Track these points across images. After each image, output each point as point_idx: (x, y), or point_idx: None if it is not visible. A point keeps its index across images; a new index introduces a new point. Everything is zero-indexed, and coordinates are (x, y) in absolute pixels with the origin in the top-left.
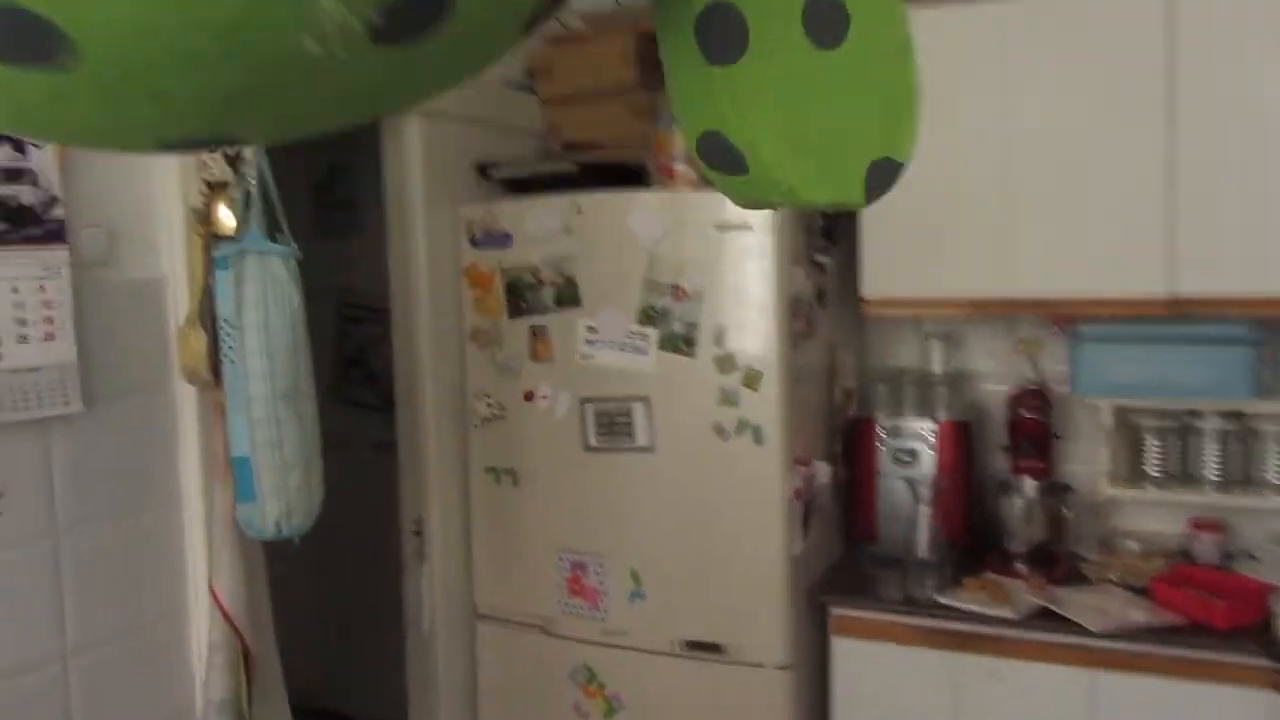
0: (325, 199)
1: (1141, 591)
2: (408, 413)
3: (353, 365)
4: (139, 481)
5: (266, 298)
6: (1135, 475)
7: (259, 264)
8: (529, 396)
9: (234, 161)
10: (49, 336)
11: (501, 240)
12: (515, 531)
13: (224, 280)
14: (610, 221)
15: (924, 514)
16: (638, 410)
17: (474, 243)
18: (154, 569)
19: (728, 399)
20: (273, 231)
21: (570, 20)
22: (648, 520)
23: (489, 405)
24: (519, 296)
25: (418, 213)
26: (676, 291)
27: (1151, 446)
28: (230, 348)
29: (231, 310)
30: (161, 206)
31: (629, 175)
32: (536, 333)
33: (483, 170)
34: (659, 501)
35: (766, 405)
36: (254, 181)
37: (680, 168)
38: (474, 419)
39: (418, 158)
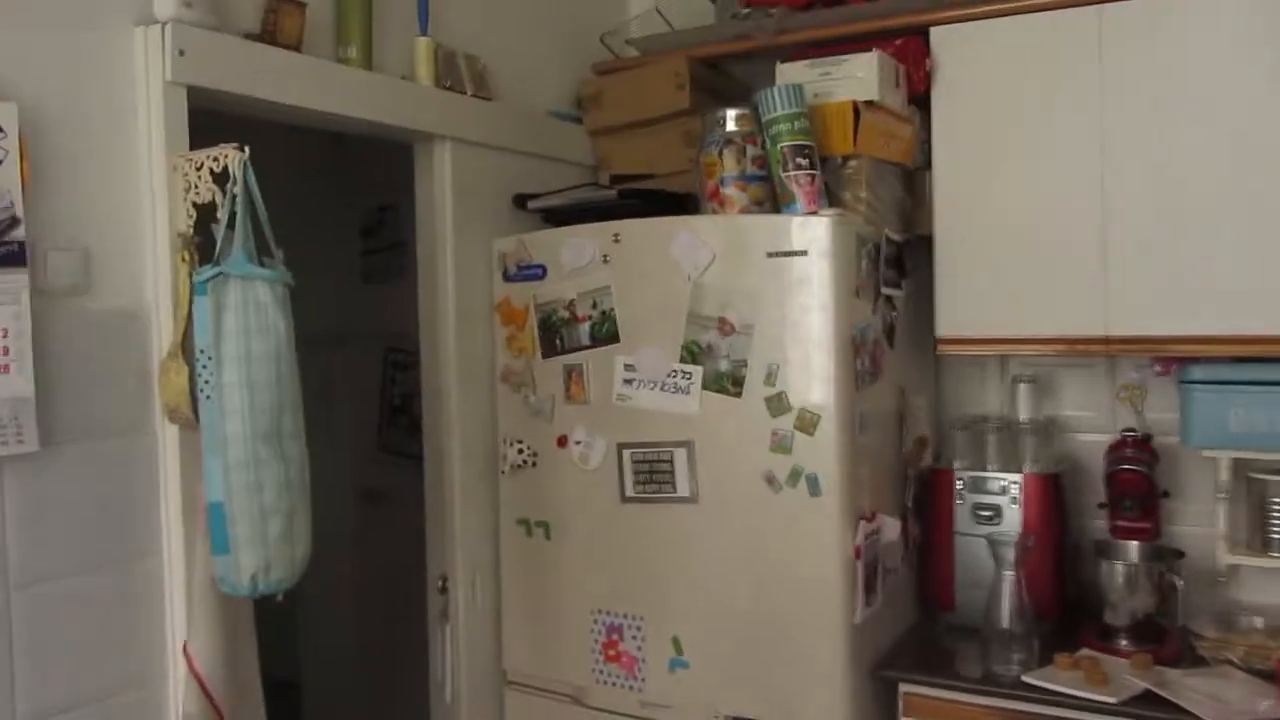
0: (373, 242)
1: (1268, 676)
2: (435, 460)
3: (398, 413)
4: (113, 531)
5: (249, 326)
6: (1258, 540)
7: (241, 289)
8: (562, 442)
9: (221, 180)
10: (3, 369)
11: (535, 273)
12: (547, 589)
13: (202, 306)
14: (651, 250)
15: (1008, 579)
16: (679, 457)
17: (506, 276)
18: (126, 630)
19: (780, 445)
20: (261, 256)
21: (621, 47)
22: (690, 580)
23: (520, 451)
24: (553, 333)
25: (447, 244)
26: (723, 326)
27: (1276, 507)
28: (206, 381)
29: (209, 340)
30: (146, 230)
31: (677, 205)
32: (571, 372)
33: (521, 202)
34: (703, 559)
35: (824, 452)
36: (238, 196)
37: (730, 191)
38: (503, 466)
39: (447, 186)
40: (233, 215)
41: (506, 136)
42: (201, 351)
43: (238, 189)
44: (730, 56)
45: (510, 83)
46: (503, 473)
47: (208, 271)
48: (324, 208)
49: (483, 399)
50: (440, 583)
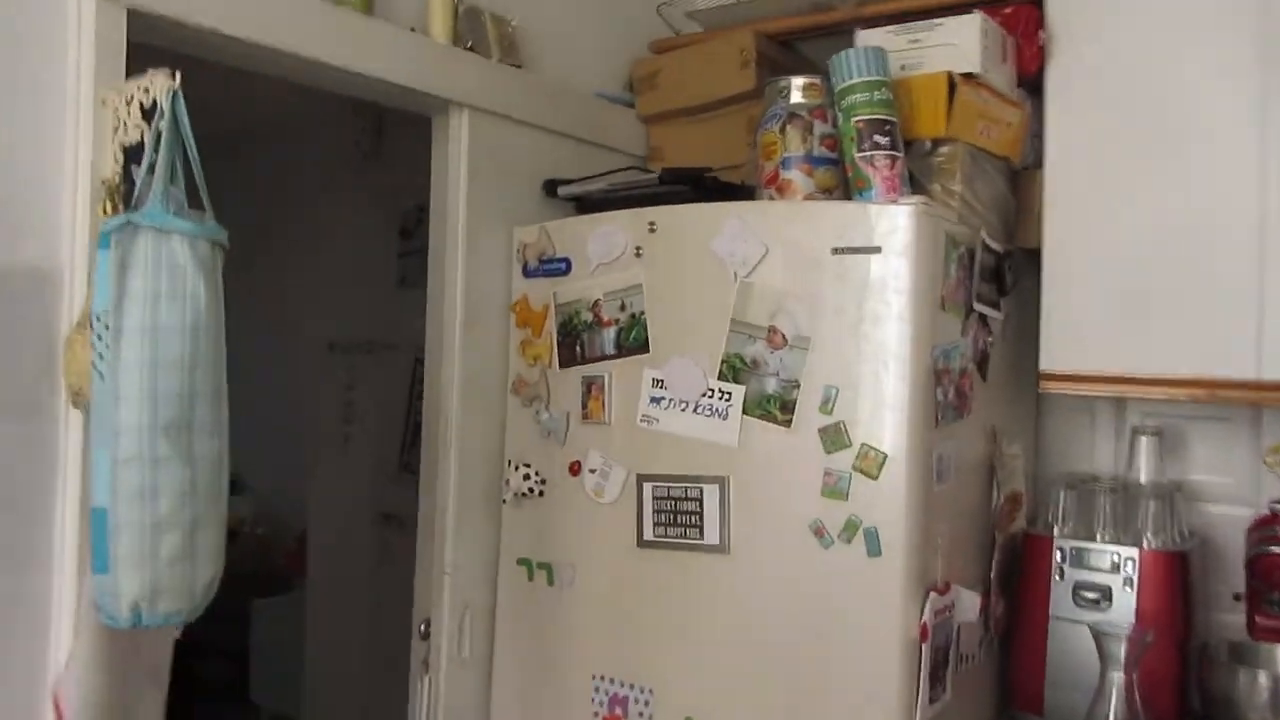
0: (411, 243)
1: None
2: (428, 481)
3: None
4: None
5: (158, 291)
6: None
7: (153, 244)
8: (575, 469)
9: (150, 116)
10: None
11: (558, 267)
12: (545, 644)
13: (103, 263)
14: (692, 242)
15: (1115, 681)
16: (710, 496)
17: (526, 271)
18: (4, 656)
19: (834, 489)
20: (192, 205)
21: (681, 21)
22: (713, 649)
23: (526, 477)
24: (574, 338)
25: (458, 229)
26: (773, 337)
27: None
28: (100, 356)
29: (108, 305)
30: (67, 175)
31: (731, 196)
32: (591, 386)
33: (551, 189)
34: (729, 624)
35: (889, 501)
36: (163, 132)
37: (793, 175)
38: (506, 494)
39: (462, 163)
40: (155, 149)
41: (538, 112)
42: (98, 319)
43: (163, 123)
44: (806, 32)
45: (549, 54)
46: (504, 501)
47: (114, 221)
48: (362, 207)
49: (489, 413)
50: (423, 627)
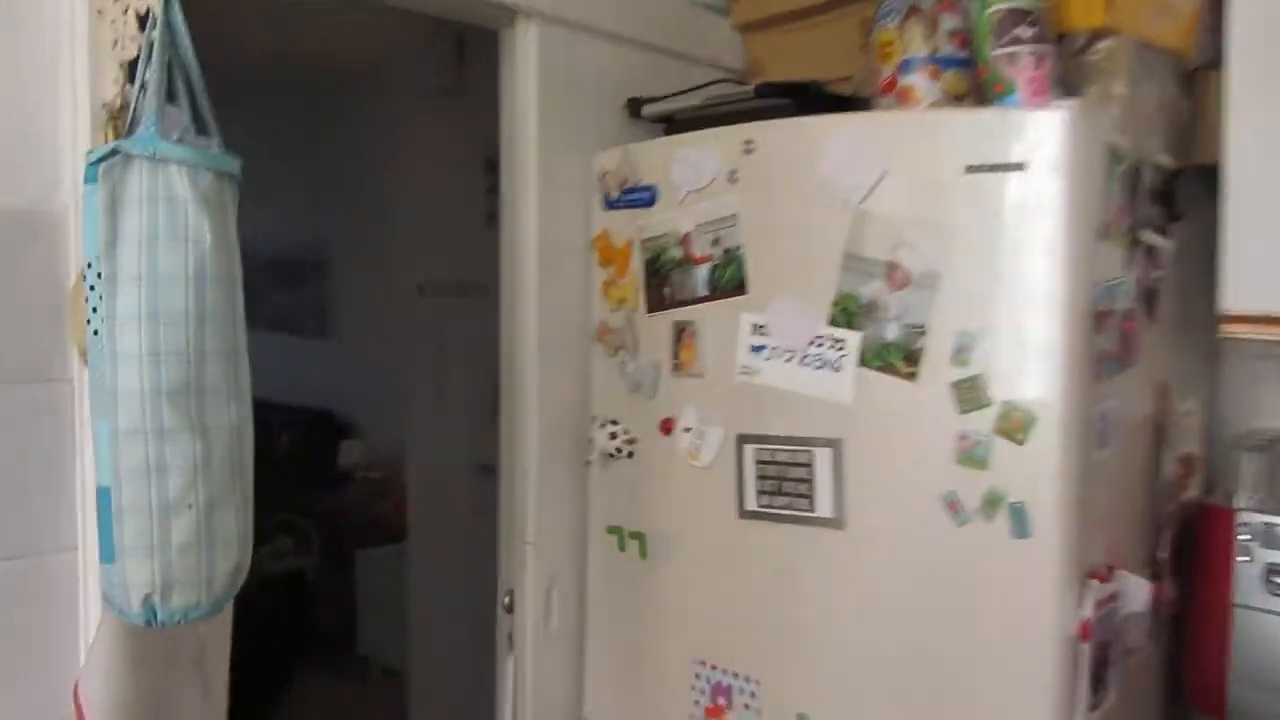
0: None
1: None
2: (508, 439)
3: None
4: (6, 513)
5: (155, 231)
6: None
7: (148, 177)
8: (667, 427)
9: (144, 22)
10: None
11: (642, 197)
12: (640, 623)
13: (91, 201)
14: (795, 163)
15: None
16: (821, 461)
17: (607, 202)
18: (19, 650)
19: (971, 455)
20: (196, 130)
21: None
22: (827, 637)
23: (613, 436)
24: (661, 278)
25: (529, 157)
26: (894, 274)
27: None
28: (94, 310)
29: (99, 250)
30: (64, 100)
31: (841, 109)
32: (681, 332)
33: (635, 108)
34: (846, 609)
35: (1040, 470)
36: (155, 44)
37: (915, 80)
38: (591, 454)
39: (532, 81)
40: (147, 67)
41: (619, 20)
42: (89, 266)
43: (155, 33)
44: None
45: None
46: (588, 463)
47: (100, 150)
48: (446, 142)
49: (572, 364)
50: (507, 599)
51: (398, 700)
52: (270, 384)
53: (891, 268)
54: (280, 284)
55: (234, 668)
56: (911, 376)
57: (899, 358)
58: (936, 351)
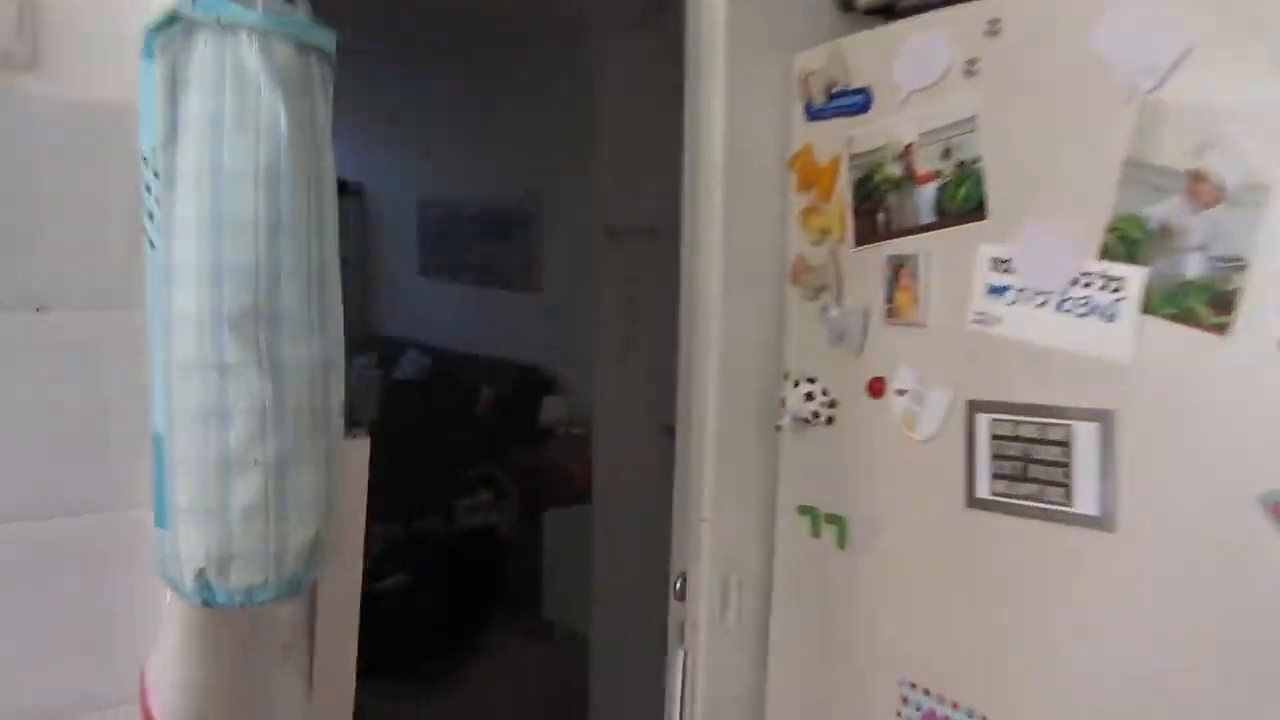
0: None
1: None
2: (684, 400)
3: None
4: (75, 460)
5: (219, 115)
6: None
7: (214, 49)
8: (876, 388)
9: None
10: None
11: (854, 103)
12: (837, 626)
13: (147, 79)
14: (1057, 43)
15: None
16: (1084, 440)
17: (810, 112)
18: (86, 617)
19: None
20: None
21: None
22: (1085, 669)
23: (809, 397)
24: (875, 203)
25: (716, 58)
26: (1197, 186)
27: None
28: (150, 215)
29: (158, 139)
30: None
31: None
32: (899, 270)
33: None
34: (1115, 638)
35: None
36: None
37: None
38: (782, 418)
39: None
40: None
41: None
42: (145, 162)
43: None
44: None
45: None
46: (779, 428)
47: (158, 17)
48: (645, 75)
49: (762, 310)
50: (678, 584)
51: (580, 666)
52: (477, 338)
53: (1195, 178)
54: (488, 238)
55: (421, 621)
56: (1221, 329)
57: (1203, 302)
58: (1261, 295)
